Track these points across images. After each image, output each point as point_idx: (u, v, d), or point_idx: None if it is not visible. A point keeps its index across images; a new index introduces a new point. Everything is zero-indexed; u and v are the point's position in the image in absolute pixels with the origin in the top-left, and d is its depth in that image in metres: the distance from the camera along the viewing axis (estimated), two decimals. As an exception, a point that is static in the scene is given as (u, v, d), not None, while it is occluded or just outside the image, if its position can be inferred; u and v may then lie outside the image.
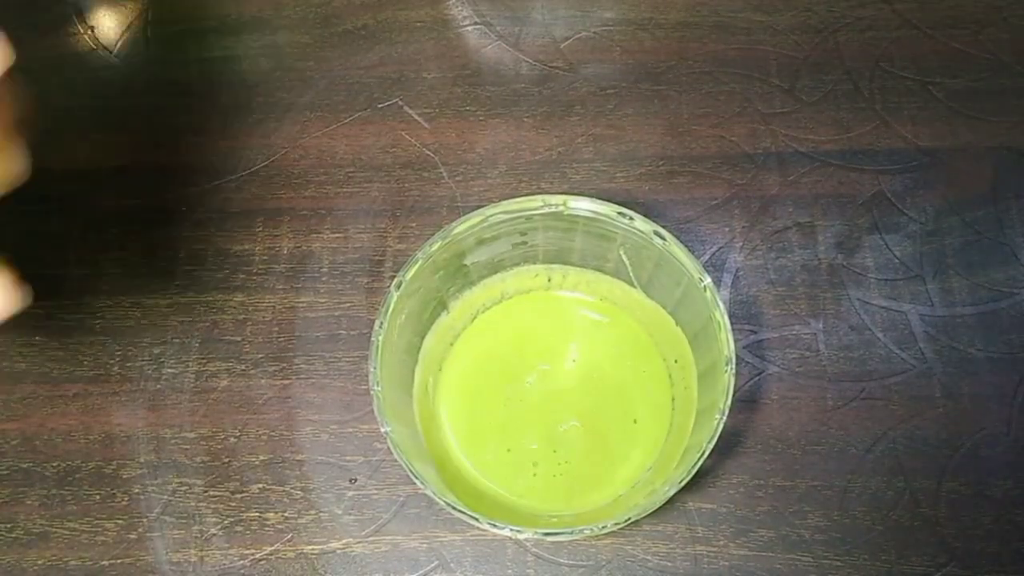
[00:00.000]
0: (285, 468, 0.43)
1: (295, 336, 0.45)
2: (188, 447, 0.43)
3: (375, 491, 0.43)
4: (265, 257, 0.47)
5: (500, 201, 0.36)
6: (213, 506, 0.43)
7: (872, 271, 0.45)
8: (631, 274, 0.41)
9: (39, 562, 0.42)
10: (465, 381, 0.42)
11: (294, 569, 0.42)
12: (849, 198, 0.46)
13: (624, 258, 0.40)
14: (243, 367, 0.45)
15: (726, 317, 0.36)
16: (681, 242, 0.36)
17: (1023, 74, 0.49)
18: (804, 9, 0.51)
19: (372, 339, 0.35)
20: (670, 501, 0.36)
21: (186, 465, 0.43)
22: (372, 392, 0.35)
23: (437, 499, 0.35)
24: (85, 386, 0.45)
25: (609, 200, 0.36)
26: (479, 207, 0.37)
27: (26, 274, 0.32)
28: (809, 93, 0.49)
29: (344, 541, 0.42)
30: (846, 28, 0.50)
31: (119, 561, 0.42)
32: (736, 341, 0.37)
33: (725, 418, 0.35)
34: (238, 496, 0.43)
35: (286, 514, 0.42)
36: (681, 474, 0.35)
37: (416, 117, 0.49)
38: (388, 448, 0.42)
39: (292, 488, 0.43)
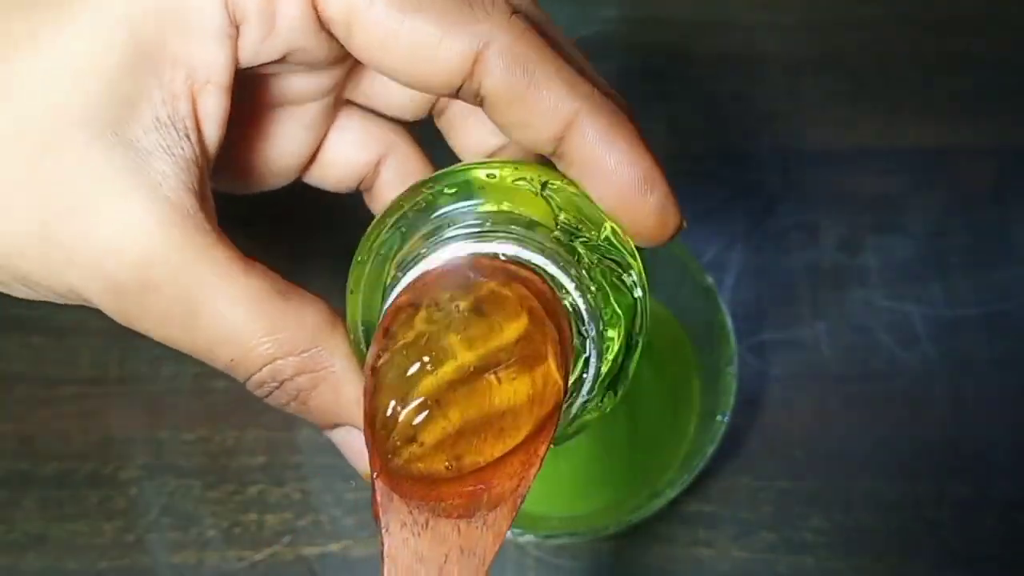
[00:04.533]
0: (284, 470, 0.43)
1: (294, 337, 0.45)
2: (186, 448, 0.43)
3: (375, 493, 0.42)
4: (265, 258, 0.46)
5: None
6: (211, 508, 0.42)
7: (875, 272, 0.45)
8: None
9: (37, 564, 0.42)
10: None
11: (293, 572, 0.41)
12: (852, 198, 0.46)
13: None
14: (242, 368, 0.44)
15: (728, 318, 0.36)
16: (683, 242, 0.36)
17: (1027, 73, 0.49)
18: (806, 8, 0.51)
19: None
20: (671, 503, 0.36)
21: (184, 467, 0.43)
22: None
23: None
24: (83, 387, 0.45)
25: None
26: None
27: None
28: (811, 92, 0.48)
29: (343, 543, 0.42)
30: (848, 27, 0.50)
31: (117, 563, 0.42)
32: (738, 342, 0.37)
33: (728, 420, 0.35)
34: (237, 498, 0.42)
35: (285, 516, 0.42)
36: (683, 477, 0.35)
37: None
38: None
39: (291, 490, 0.42)
